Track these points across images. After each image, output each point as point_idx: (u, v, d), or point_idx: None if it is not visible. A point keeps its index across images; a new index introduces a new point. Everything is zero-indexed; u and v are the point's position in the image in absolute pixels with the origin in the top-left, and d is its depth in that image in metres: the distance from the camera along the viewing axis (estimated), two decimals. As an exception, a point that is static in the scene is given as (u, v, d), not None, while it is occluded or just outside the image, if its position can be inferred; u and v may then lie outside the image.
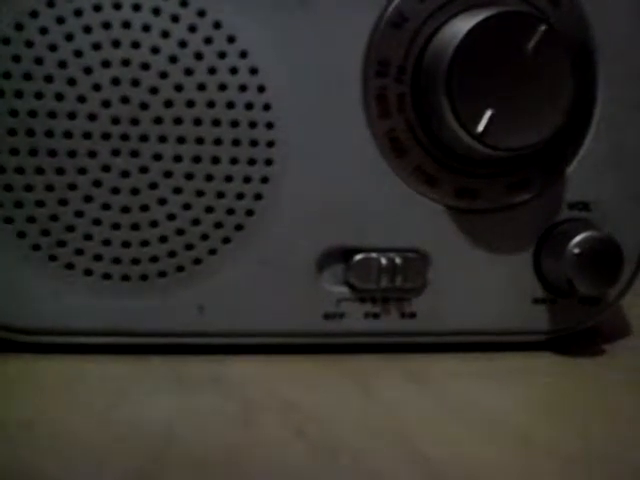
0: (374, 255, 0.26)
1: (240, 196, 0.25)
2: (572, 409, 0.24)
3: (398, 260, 0.26)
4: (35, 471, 0.19)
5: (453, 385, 0.25)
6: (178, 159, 0.25)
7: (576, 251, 0.26)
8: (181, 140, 0.25)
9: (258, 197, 0.26)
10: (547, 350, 0.28)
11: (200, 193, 0.25)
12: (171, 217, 0.25)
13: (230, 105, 0.25)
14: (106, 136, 0.24)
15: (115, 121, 0.24)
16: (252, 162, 0.25)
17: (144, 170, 0.25)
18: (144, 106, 0.24)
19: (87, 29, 0.24)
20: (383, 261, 0.26)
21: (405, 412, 0.23)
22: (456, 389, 0.25)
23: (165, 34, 0.24)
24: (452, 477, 0.20)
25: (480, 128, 0.24)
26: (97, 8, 0.24)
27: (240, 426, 0.21)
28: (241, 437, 0.21)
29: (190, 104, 0.24)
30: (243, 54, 0.25)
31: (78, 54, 0.24)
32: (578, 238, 0.26)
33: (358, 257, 0.26)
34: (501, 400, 0.24)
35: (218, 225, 0.25)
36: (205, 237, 0.25)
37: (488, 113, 0.24)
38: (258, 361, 0.26)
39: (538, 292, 0.28)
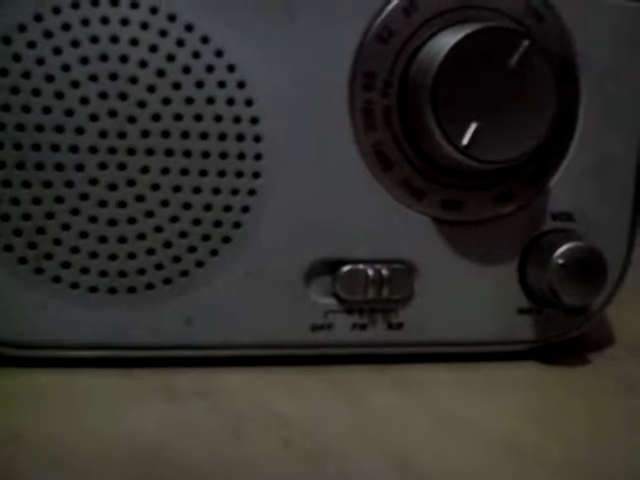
0: (361, 267, 0.27)
1: (227, 209, 0.25)
2: (558, 418, 0.25)
3: (385, 271, 0.27)
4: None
5: (440, 394, 0.25)
6: (165, 172, 0.25)
7: (560, 262, 0.26)
8: (169, 153, 0.25)
9: (245, 210, 0.26)
10: (532, 360, 0.29)
11: (187, 206, 0.25)
12: (158, 229, 0.25)
13: (218, 118, 0.25)
14: (93, 149, 0.24)
15: (103, 134, 0.24)
16: (239, 175, 0.25)
17: (131, 183, 0.25)
18: (132, 119, 0.24)
19: (75, 43, 0.24)
20: (370, 272, 0.27)
21: (392, 422, 0.23)
22: (443, 398, 0.25)
23: (153, 48, 0.24)
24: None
25: (465, 141, 0.25)
26: (85, 22, 0.24)
27: (229, 438, 0.21)
28: (230, 449, 0.21)
29: (178, 117, 0.25)
30: (231, 68, 0.25)
31: (66, 68, 0.24)
32: (562, 249, 0.27)
33: (345, 269, 0.27)
34: (487, 409, 0.25)
35: (205, 237, 0.25)
36: (192, 249, 0.25)
37: (473, 126, 0.25)
38: (246, 373, 0.26)
39: (523, 302, 0.28)
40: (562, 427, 0.24)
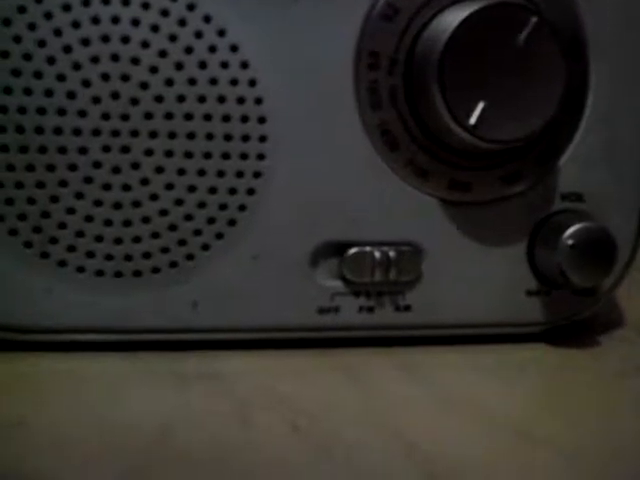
0: (368, 249, 0.26)
1: (232, 191, 0.25)
2: (567, 400, 0.25)
3: (392, 253, 0.26)
4: (31, 468, 0.19)
5: (448, 377, 0.25)
6: (169, 154, 0.25)
7: (570, 242, 0.26)
8: (172, 135, 0.24)
9: (251, 192, 0.25)
10: (541, 342, 0.28)
11: (192, 188, 0.25)
12: (163, 213, 0.25)
13: (221, 99, 0.25)
14: (96, 132, 0.24)
15: (105, 117, 0.24)
16: (244, 157, 0.25)
17: (135, 166, 0.24)
18: (134, 101, 0.24)
19: (76, 24, 0.23)
20: (377, 255, 0.26)
21: (400, 405, 0.23)
22: (451, 381, 0.25)
23: (155, 28, 0.24)
24: (447, 470, 0.20)
25: (472, 120, 0.24)
26: (86, 3, 0.23)
27: (235, 421, 0.21)
28: (236, 432, 0.21)
29: (181, 99, 0.24)
30: (234, 48, 0.24)
31: (67, 49, 0.23)
32: (572, 229, 0.26)
33: (352, 251, 0.26)
34: (496, 392, 0.25)
35: (211, 220, 0.25)
36: (198, 232, 0.25)
37: (480, 105, 0.24)
38: (252, 356, 0.26)
39: (532, 284, 0.28)
40: (571, 409, 0.24)
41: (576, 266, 0.26)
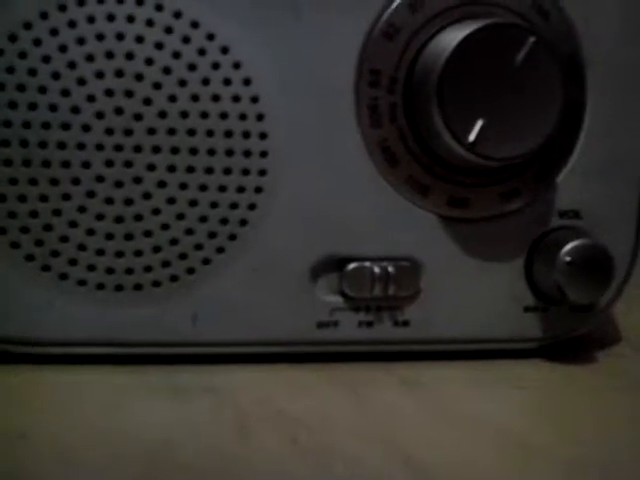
0: (367, 264, 0.27)
1: (234, 206, 0.25)
2: (565, 414, 0.25)
3: (391, 269, 0.27)
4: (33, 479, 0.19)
5: (447, 392, 0.25)
6: (172, 169, 0.25)
7: (567, 259, 0.26)
8: (175, 150, 0.25)
9: (252, 207, 0.26)
10: (539, 357, 0.29)
11: (194, 203, 0.25)
12: (165, 227, 0.25)
13: (223, 116, 0.25)
14: (100, 147, 0.24)
15: (109, 132, 0.24)
16: (246, 172, 0.25)
17: (138, 180, 0.25)
18: (138, 117, 0.24)
19: (81, 40, 0.24)
20: (376, 270, 0.27)
21: (399, 419, 0.23)
22: (450, 395, 0.25)
23: (159, 45, 0.24)
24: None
25: (471, 138, 0.25)
26: (91, 20, 0.24)
27: (235, 435, 0.21)
28: (236, 445, 0.21)
29: (184, 115, 0.25)
30: (236, 65, 0.25)
31: (72, 65, 0.24)
32: (569, 246, 0.26)
33: (351, 266, 0.27)
34: (495, 406, 0.25)
35: (212, 235, 0.25)
36: (199, 247, 0.25)
37: (479, 123, 0.25)
38: (252, 370, 0.26)
39: (530, 300, 0.28)
40: (569, 424, 0.24)
41: (574, 283, 0.27)
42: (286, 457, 0.20)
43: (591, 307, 0.29)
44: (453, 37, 0.25)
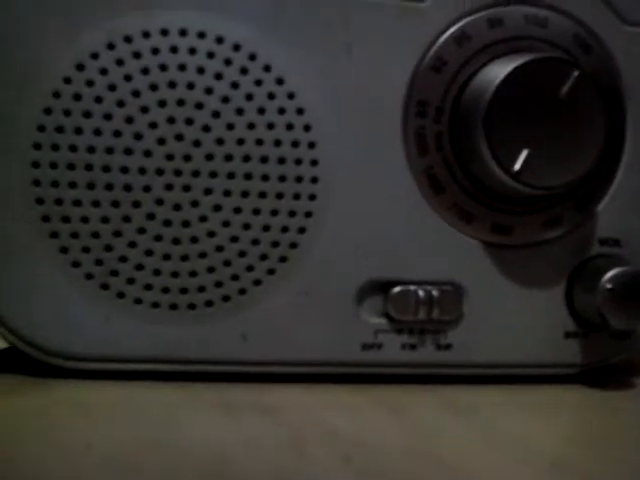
0: (412, 288, 0.27)
1: (285, 229, 0.26)
2: (606, 440, 0.25)
3: (435, 293, 0.27)
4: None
5: (489, 415, 0.26)
6: (227, 194, 0.26)
7: (608, 286, 0.27)
8: (231, 176, 0.26)
9: (302, 230, 0.27)
10: (578, 383, 0.29)
11: (247, 226, 0.26)
12: (219, 249, 0.26)
13: (277, 143, 0.26)
14: (160, 171, 0.25)
15: (169, 157, 0.25)
16: (297, 197, 0.26)
17: (195, 204, 0.26)
18: (197, 143, 0.25)
19: (145, 71, 0.25)
20: (421, 294, 0.27)
21: (446, 439, 0.24)
22: (492, 418, 0.26)
23: (218, 76, 0.25)
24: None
25: (517, 167, 0.25)
26: (155, 51, 0.25)
27: (289, 452, 0.22)
28: (291, 462, 0.21)
29: (240, 142, 0.26)
30: (291, 95, 0.26)
31: (136, 94, 0.25)
32: (610, 273, 0.27)
33: (396, 289, 0.27)
34: (536, 430, 0.25)
35: (263, 257, 0.26)
36: (251, 268, 0.26)
37: (524, 153, 0.25)
38: (299, 389, 0.27)
39: (570, 326, 0.29)
40: (611, 450, 0.24)
41: (614, 309, 0.27)
42: (341, 475, 0.21)
43: (630, 333, 0.29)
44: (500, 70, 0.26)
